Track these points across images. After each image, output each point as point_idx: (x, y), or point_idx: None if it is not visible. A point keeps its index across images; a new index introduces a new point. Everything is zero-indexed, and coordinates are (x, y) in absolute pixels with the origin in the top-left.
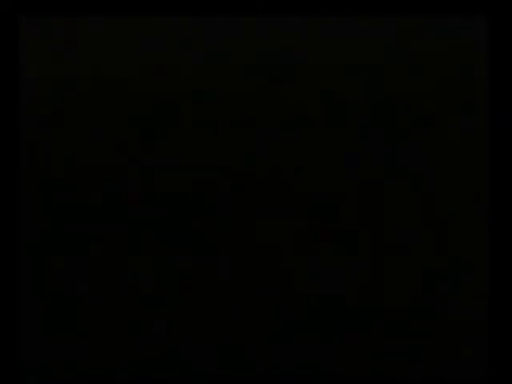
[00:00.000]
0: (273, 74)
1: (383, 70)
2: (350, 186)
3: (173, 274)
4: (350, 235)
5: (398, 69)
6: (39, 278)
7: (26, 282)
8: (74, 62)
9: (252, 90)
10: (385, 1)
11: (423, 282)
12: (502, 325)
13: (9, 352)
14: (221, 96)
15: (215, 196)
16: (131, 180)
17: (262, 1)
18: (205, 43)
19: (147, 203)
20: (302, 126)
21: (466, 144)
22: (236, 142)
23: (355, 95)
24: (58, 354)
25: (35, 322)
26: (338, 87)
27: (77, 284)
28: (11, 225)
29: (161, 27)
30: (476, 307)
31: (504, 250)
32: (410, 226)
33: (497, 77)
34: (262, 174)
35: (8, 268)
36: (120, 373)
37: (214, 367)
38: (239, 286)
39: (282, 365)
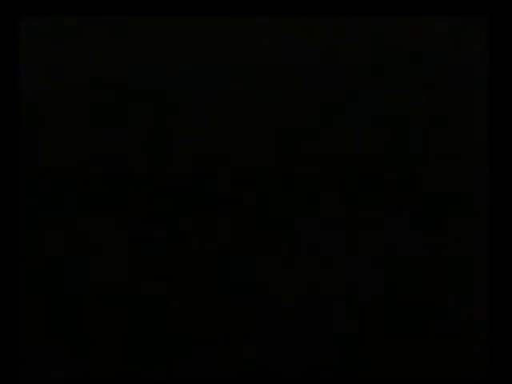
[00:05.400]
0: (272, 74)
1: (383, 70)
2: (348, 186)
3: (173, 273)
4: (349, 235)
5: (398, 69)
6: (39, 277)
7: (26, 281)
8: (74, 62)
9: (252, 90)
10: (385, 1)
11: (423, 281)
12: (502, 325)
13: (9, 352)
14: (220, 96)
15: (214, 196)
16: (131, 181)
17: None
18: (205, 43)
19: (148, 204)
20: (301, 127)
21: (466, 144)
22: (236, 141)
23: (354, 95)
24: (58, 354)
25: (35, 321)
26: (338, 87)
27: (77, 283)
28: (11, 225)
29: (161, 27)
30: (476, 307)
31: (504, 250)
32: (409, 225)
33: (497, 77)
34: (261, 171)
35: (8, 268)
36: (120, 373)
37: (213, 367)
38: (240, 284)
39: (282, 364)
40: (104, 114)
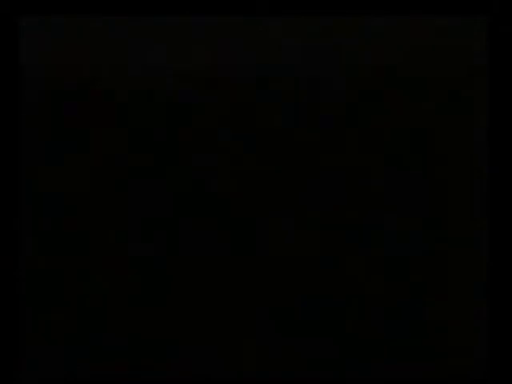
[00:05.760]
0: (272, 74)
1: (383, 70)
2: (349, 186)
3: (173, 273)
4: (349, 235)
5: (398, 69)
6: (39, 277)
7: (26, 281)
8: (74, 62)
9: (252, 91)
10: (384, 1)
11: (422, 281)
12: (502, 325)
13: (9, 352)
14: (220, 96)
15: (212, 197)
16: (130, 180)
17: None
18: (204, 43)
19: (147, 202)
20: (302, 127)
21: (466, 144)
22: (235, 142)
23: (354, 96)
24: (58, 354)
25: (35, 321)
26: (337, 87)
27: (77, 283)
28: (11, 225)
29: (161, 27)
30: (476, 307)
31: (504, 250)
32: (409, 225)
33: (497, 77)
34: (261, 171)
35: (8, 268)
36: (120, 373)
37: (213, 367)
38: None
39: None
40: (104, 114)
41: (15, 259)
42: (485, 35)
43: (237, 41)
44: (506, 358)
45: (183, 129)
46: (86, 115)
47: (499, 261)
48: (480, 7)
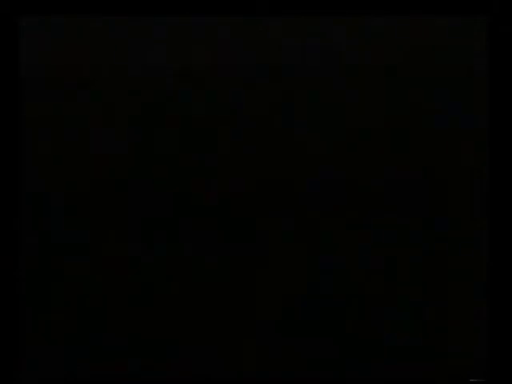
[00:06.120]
0: (273, 74)
1: (383, 70)
2: (350, 186)
3: (173, 273)
4: (350, 235)
5: (398, 69)
6: (40, 277)
7: (27, 281)
8: (74, 62)
9: (252, 91)
10: (385, 1)
11: (423, 281)
12: (502, 325)
13: (9, 352)
14: (220, 95)
15: (212, 197)
16: (130, 180)
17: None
18: (204, 43)
19: (147, 202)
20: (302, 126)
21: (467, 144)
22: (235, 141)
23: (355, 95)
24: (58, 354)
25: (35, 321)
26: (338, 87)
27: (77, 284)
28: (11, 224)
29: (161, 27)
30: (476, 307)
31: (504, 249)
32: (410, 225)
33: (497, 77)
34: (261, 171)
35: (8, 268)
36: (120, 373)
37: (212, 367)
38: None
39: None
40: (105, 114)
41: (15, 259)
42: (485, 35)
43: (237, 41)
44: (506, 358)
45: (183, 129)
46: (85, 115)
47: (499, 261)
48: (480, 7)
